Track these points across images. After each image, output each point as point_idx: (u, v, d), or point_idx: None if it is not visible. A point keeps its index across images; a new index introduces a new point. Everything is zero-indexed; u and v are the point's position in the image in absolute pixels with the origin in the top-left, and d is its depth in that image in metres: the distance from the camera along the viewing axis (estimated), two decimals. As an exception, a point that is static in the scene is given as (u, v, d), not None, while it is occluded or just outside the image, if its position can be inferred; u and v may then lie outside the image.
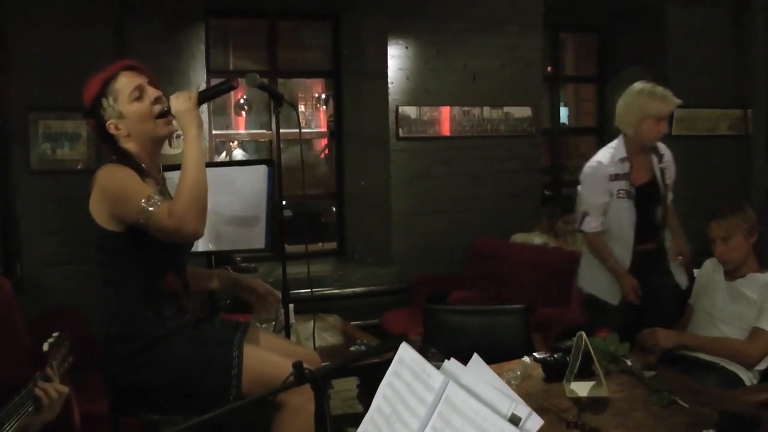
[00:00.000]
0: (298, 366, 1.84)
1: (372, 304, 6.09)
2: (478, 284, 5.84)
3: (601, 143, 8.00)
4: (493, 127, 6.54)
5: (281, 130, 3.34)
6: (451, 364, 1.49)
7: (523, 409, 1.24)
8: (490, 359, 3.25)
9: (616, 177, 4.03)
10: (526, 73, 6.70)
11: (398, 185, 6.26)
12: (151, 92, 2.78)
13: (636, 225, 4.06)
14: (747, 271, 3.63)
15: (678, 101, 4.00)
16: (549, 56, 7.64)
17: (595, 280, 4.25)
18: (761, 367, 3.52)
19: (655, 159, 4.10)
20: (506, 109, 6.59)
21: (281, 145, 3.44)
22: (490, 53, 6.52)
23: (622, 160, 4.04)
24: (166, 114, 2.77)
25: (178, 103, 2.76)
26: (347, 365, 2.51)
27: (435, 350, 3.65)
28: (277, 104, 3.25)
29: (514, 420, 1.23)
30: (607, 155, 4.08)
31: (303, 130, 6.87)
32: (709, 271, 3.85)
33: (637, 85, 4.06)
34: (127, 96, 2.72)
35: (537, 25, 6.75)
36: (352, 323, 5.17)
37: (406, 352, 1.56)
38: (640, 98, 4.00)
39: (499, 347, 3.79)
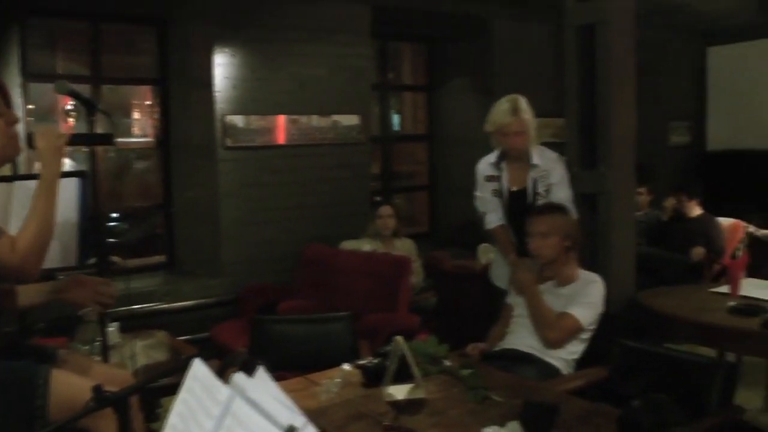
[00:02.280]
0: (97, 389, 1.77)
1: (203, 317, 5.95)
2: (309, 293, 5.82)
3: (432, 150, 8.26)
4: (321, 135, 6.53)
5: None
6: (239, 378, 1.50)
7: (299, 419, 1.27)
8: (317, 367, 3.27)
9: (491, 178, 4.28)
10: (354, 82, 6.74)
11: (227, 195, 6.16)
12: (7, 112, 2.64)
13: (514, 231, 4.21)
14: (563, 272, 3.81)
15: (520, 118, 4.05)
16: (380, 65, 7.75)
17: (496, 273, 4.39)
18: (575, 356, 3.70)
19: (529, 167, 4.20)
20: (335, 117, 6.60)
21: (112, 154, 3.33)
22: (318, 62, 6.52)
23: (492, 164, 4.27)
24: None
25: (47, 140, 2.65)
26: (147, 384, 2.44)
27: (262, 361, 3.61)
28: (89, 112, 3.15)
29: (291, 430, 1.26)
30: (485, 158, 4.35)
31: (131, 140, 6.67)
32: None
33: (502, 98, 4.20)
34: None
35: (365, 34, 6.82)
36: (182, 338, 5.05)
37: (198, 368, 1.55)
38: (491, 111, 4.18)
39: (326, 355, 3.80)
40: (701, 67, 10.23)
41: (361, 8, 6.75)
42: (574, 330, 3.64)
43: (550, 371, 3.62)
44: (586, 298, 3.69)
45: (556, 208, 3.88)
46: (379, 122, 7.75)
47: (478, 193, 4.35)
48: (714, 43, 10.05)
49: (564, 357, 3.69)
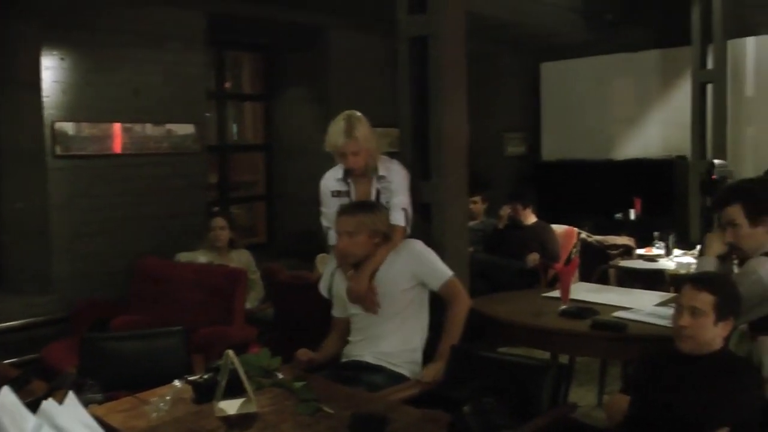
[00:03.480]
0: None
1: (33, 337, 5.62)
2: (144, 307, 5.62)
3: (270, 160, 8.21)
4: (156, 144, 6.36)
5: None
6: (48, 404, 1.47)
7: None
8: (151, 385, 3.17)
9: (338, 194, 4.15)
10: (189, 90, 6.61)
11: (57, 206, 5.88)
12: None
13: None
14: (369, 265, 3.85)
15: (355, 138, 3.97)
16: (217, 73, 7.64)
17: (324, 284, 4.27)
18: (418, 353, 3.80)
19: (375, 180, 4.13)
20: (169, 126, 6.44)
21: None
22: (152, 68, 6.35)
23: (339, 180, 4.16)
24: None
25: None
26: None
27: (93, 382, 3.48)
28: None
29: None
30: (330, 173, 4.22)
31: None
32: (338, 280, 4.03)
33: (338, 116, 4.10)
34: None
35: (199, 42, 6.70)
36: (9, 361, 4.79)
37: (6, 396, 1.48)
38: (328, 130, 4.06)
39: (159, 371, 3.68)
40: (535, 81, 10.67)
41: (195, 15, 6.63)
42: (458, 281, 3.85)
43: (398, 380, 3.67)
44: (432, 260, 3.87)
45: (362, 207, 3.90)
46: (216, 131, 7.65)
47: (323, 209, 4.24)
48: (546, 59, 10.52)
49: (409, 361, 3.77)
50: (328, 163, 4.29)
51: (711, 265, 3.48)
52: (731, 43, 8.66)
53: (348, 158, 4.01)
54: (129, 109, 6.22)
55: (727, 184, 5.87)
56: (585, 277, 6.30)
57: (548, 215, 7.13)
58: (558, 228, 6.92)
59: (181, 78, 6.54)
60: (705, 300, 2.93)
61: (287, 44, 7.98)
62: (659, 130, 9.72)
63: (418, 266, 3.82)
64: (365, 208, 3.89)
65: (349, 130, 3.97)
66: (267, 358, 3.19)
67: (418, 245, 3.90)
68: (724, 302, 2.95)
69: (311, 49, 7.86)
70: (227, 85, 8.04)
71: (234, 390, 2.88)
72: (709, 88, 8.62)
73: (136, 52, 6.27)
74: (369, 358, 3.75)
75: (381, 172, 4.11)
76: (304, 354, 3.71)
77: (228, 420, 2.77)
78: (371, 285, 3.80)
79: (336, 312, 4.05)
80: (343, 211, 3.88)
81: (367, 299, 3.80)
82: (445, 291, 3.80)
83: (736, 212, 3.37)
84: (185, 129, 6.56)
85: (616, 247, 7.17)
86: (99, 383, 3.45)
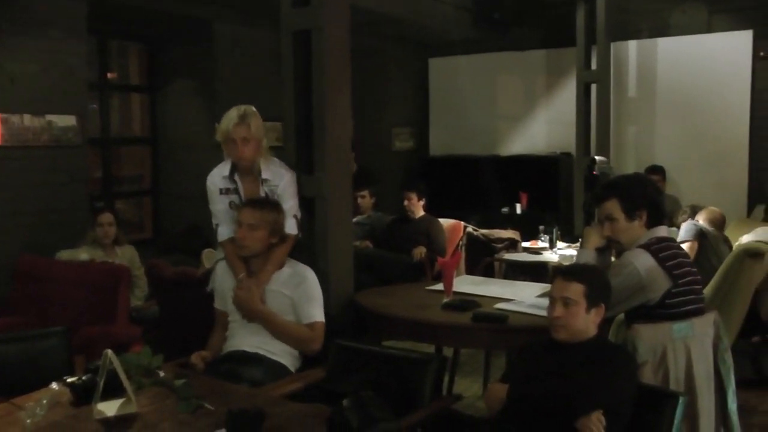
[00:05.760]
0: None
1: None
2: (23, 308, 5.40)
3: (155, 153, 8.06)
4: (35, 136, 6.12)
5: None
6: None
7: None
8: (30, 389, 3.06)
9: (227, 191, 4.15)
10: (69, 80, 6.37)
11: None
12: None
13: None
14: (270, 269, 3.89)
15: (248, 124, 4.01)
16: (100, 63, 7.45)
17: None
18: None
19: (260, 181, 4.13)
20: (49, 117, 6.20)
21: None
22: (30, 57, 6.10)
23: (225, 177, 4.14)
24: None
25: None
26: None
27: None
28: None
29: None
30: (216, 170, 4.19)
31: None
32: (222, 273, 4.06)
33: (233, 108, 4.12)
34: None
35: (80, 30, 6.47)
36: None
37: None
38: (222, 120, 4.07)
39: (39, 375, 3.55)
40: (424, 77, 10.78)
41: (74, 1, 6.40)
42: (324, 330, 3.82)
43: (277, 370, 3.69)
44: (315, 300, 3.86)
45: (268, 204, 3.94)
46: (99, 123, 7.46)
47: (212, 207, 4.22)
48: (435, 55, 10.64)
49: (290, 352, 3.80)
50: (215, 157, 4.28)
51: (590, 257, 3.61)
52: (614, 46, 8.98)
53: (239, 146, 4.01)
54: (6, 99, 5.97)
55: (605, 179, 6.08)
56: (471, 270, 6.41)
57: (436, 210, 7.22)
58: (445, 222, 7.01)
59: (61, 67, 6.31)
60: (575, 290, 3.05)
61: (173, 35, 7.86)
62: (545, 128, 9.97)
63: (298, 297, 3.85)
64: (271, 205, 3.93)
65: (244, 116, 4.02)
66: (148, 357, 3.13)
67: (312, 279, 3.91)
68: (593, 290, 3.07)
69: (197, 42, 7.76)
70: (111, 75, 7.84)
71: (114, 391, 2.82)
72: (593, 87, 8.90)
73: (10, 39, 6.00)
74: (246, 347, 3.77)
75: (264, 175, 4.13)
76: (199, 359, 3.70)
77: (107, 422, 2.71)
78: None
79: (218, 304, 4.05)
80: (250, 203, 3.93)
81: (253, 310, 3.83)
82: (312, 326, 3.81)
83: (613, 207, 3.52)
84: (66, 120, 6.33)
85: (501, 240, 7.31)
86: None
